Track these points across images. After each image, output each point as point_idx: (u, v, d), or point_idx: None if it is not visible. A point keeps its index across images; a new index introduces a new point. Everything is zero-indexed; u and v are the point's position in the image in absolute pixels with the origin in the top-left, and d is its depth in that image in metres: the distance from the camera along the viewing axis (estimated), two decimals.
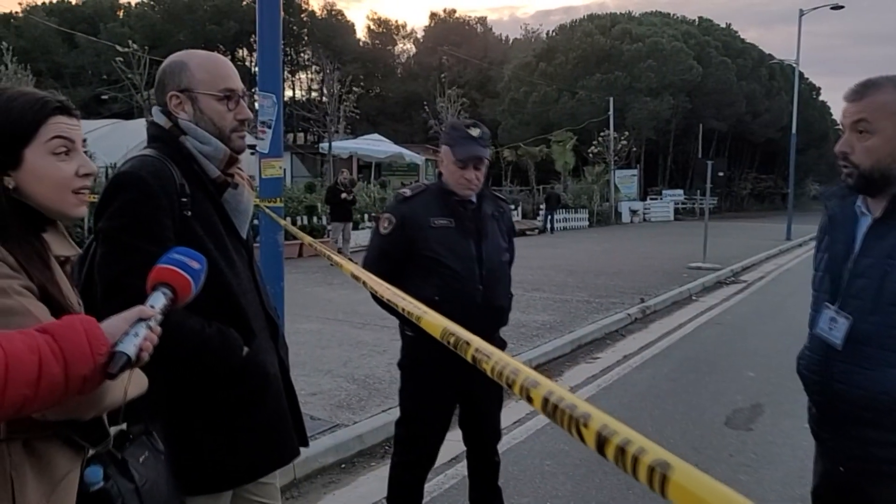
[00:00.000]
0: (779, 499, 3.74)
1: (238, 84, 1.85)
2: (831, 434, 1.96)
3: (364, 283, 1.69)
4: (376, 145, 25.97)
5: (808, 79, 53.54)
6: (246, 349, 1.77)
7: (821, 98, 58.72)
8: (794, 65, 26.15)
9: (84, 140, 1.43)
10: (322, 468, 4.06)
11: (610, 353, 7.10)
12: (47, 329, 1.10)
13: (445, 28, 53.22)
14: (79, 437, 1.29)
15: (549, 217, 25.07)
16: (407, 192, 2.90)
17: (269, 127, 3.73)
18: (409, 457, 2.94)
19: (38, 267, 1.28)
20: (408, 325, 2.74)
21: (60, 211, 1.35)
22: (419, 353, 2.82)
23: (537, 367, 6.41)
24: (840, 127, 1.89)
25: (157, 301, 1.29)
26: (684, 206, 38.97)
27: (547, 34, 51.43)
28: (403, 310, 1.34)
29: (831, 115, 59.50)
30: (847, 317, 1.85)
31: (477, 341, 1.03)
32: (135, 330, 1.19)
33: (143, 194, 1.66)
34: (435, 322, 1.19)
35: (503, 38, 58.26)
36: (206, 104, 1.80)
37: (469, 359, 1.02)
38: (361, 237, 16.04)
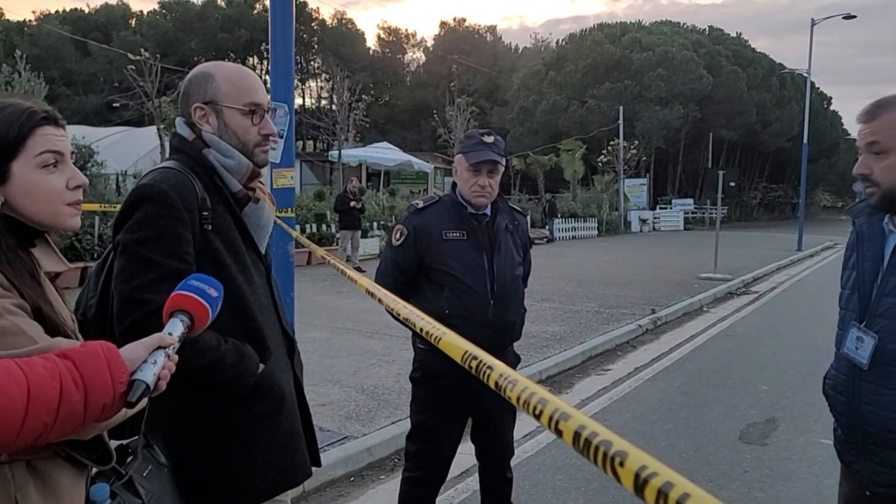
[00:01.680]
0: None
1: (264, 98, 1.82)
2: (857, 457, 1.90)
3: (380, 300, 1.65)
4: (385, 153, 26.01)
5: (819, 88, 53.35)
6: (262, 366, 1.73)
7: (832, 108, 58.49)
8: (805, 74, 26.03)
9: (73, 151, 1.40)
10: (331, 481, 4.02)
11: (621, 364, 7.03)
12: (68, 355, 1.08)
13: (455, 36, 53.35)
14: (81, 455, 1.26)
15: (550, 225, 25.10)
16: (420, 203, 2.87)
17: (281, 137, 3.71)
18: (420, 471, 2.90)
19: (28, 284, 1.25)
20: (421, 339, 2.70)
21: (54, 224, 1.32)
22: (431, 366, 2.78)
23: (547, 379, 6.36)
24: (854, 138, 1.86)
25: (176, 328, 1.28)
26: (694, 215, 38.81)
27: (556, 43, 51.49)
28: (422, 330, 1.30)
29: (842, 124, 59.25)
30: (874, 336, 1.80)
31: (500, 367, 0.99)
32: (153, 358, 1.18)
33: (164, 207, 1.64)
34: (455, 344, 1.14)
35: (512, 46, 58.35)
36: (230, 117, 1.77)
37: (492, 385, 0.97)
38: (370, 245, 16.03)
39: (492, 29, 57.70)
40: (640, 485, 0.66)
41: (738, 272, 14.16)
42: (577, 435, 0.76)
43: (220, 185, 1.77)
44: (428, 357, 2.78)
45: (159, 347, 1.20)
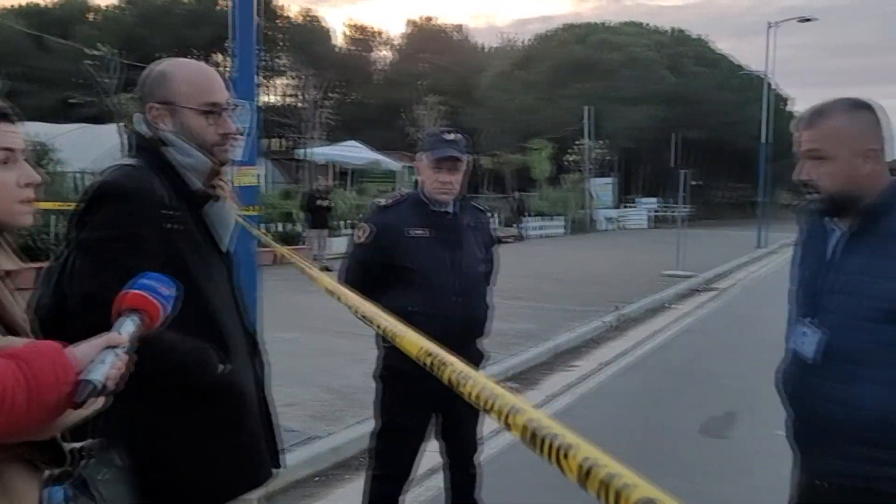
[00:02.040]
0: None
1: (223, 97, 1.80)
2: (810, 448, 1.96)
3: (339, 298, 1.65)
4: (353, 152, 25.90)
5: (780, 90, 54.40)
6: (223, 366, 1.72)
7: (795, 108, 59.72)
8: (763, 76, 26.58)
9: (27, 149, 1.37)
10: (297, 481, 4.00)
11: (587, 360, 7.11)
12: (15, 354, 1.05)
13: (424, 35, 53.29)
14: (35, 457, 1.24)
15: (520, 224, 25.31)
16: (384, 201, 2.88)
17: (244, 134, 3.68)
18: (387, 470, 2.90)
19: None
20: (384, 338, 2.71)
21: (5, 222, 1.30)
22: (397, 364, 2.78)
23: (516, 376, 6.40)
24: (800, 155, 1.89)
25: (126, 328, 1.25)
26: (660, 213, 39.32)
27: (525, 42, 51.77)
28: (380, 327, 1.31)
29: None
30: (819, 331, 1.86)
31: (456, 363, 1.00)
32: (103, 357, 1.15)
33: (127, 206, 1.62)
34: (412, 341, 1.16)
35: (481, 46, 58.49)
36: (187, 118, 1.75)
37: (446, 381, 0.99)
38: (339, 244, 15.93)
39: (460, 28, 57.79)
40: (585, 475, 0.68)
41: (701, 269, 14.39)
42: (525, 428, 0.77)
43: (181, 183, 1.75)
44: (393, 355, 2.78)
45: (109, 347, 1.18)
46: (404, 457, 2.87)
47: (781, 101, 55.65)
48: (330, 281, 1.85)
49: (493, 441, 4.60)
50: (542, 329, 8.07)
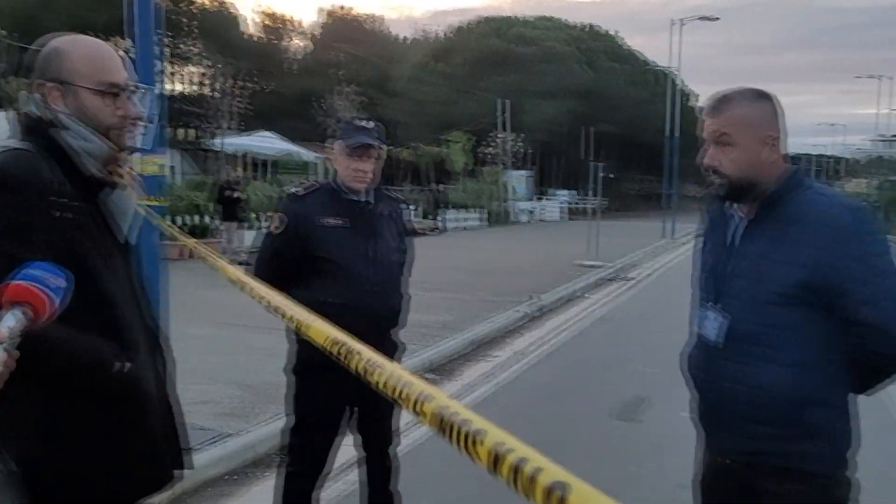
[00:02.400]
0: (668, 488, 3.88)
1: (122, 78, 1.69)
2: (715, 428, 2.03)
3: (245, 288, 1.58)
4: (269, 143, 25.30)
5: (686, 86, 56.64)
6: (120, 365, 1.62)
7: (699, 104, 62.34)
8: (667, 71, 27.63)
9: None
10: (210, 480, 3.86)
11: (507, 351, 7.20)
12: None
13: (341, 25, 52.50)
14: None
15: (441, 216, 25.45)
16: (299, 190, 2.81)
17: (150, 122, 3.50)
18: (303, 465, 2.84)
19: None
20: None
21: None
22: (313, 357, 2.71)
23: (435, 367, 6.40)
24: (705, 140, 1.94)
25: (6, 322, 1.16)
26: (576, 205, 40.28)
27: (444, 35, 51.83)
28: (291, 319, 1.26)
29: None
30: (725, 315, 1.92)
31: (364, 352, 0.97)
32: None
33: (12, 193, 1.49)
34: (320, 330, 1.11)
35: (400, 37, 58.20)
36: (84, 98, 1.63)
37: (354, 370, 0.95)
38: (255, 237, 15.51)
39: (378, 19, 57.32)
40: (495, 461, 0.66)
41: (614, 259, 14.84)
42: (434, 416, 0.75)
43: (73, 168, 1.63)
44: (306, 348, 2.72)
45: None
46: (319, 452, 2.82)
47: (686, 96, 58.08)
48: (236, 271, 1.77)
49: (411, 432, 4.59)
50: (461, 320, 8.11)
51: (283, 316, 1.32)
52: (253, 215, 15.92)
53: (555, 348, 7.33)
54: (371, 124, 2.75)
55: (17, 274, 1.21)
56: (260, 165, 26.85)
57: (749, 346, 1.87)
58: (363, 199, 2.77)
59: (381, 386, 0.87)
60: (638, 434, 4.74)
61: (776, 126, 1.89)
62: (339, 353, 1.00)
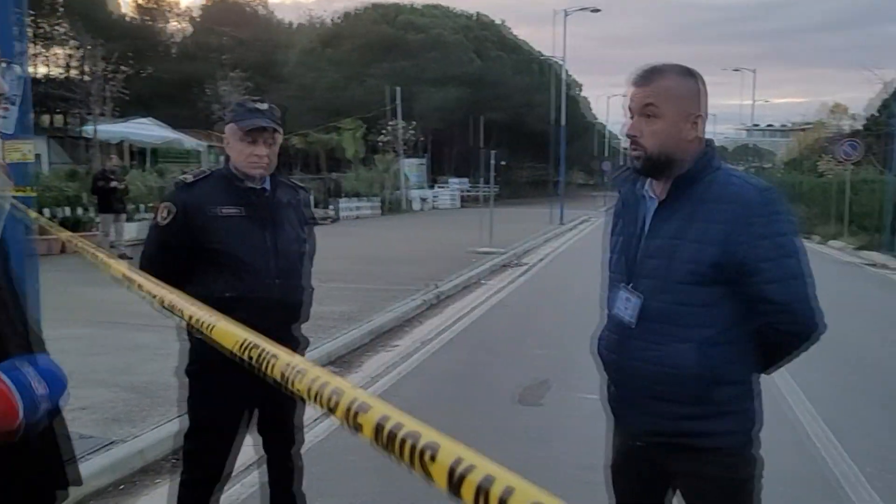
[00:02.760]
0: (572, 469, 3.95)
1: None
2: (628, 410, 2.03)
3: (134, 286, 1.41)
4: (150, 130, 23.94)
5: (571, 76, 58.47)
6: None
7: (583, 94, 64.59)
8: (553, 61, 28.48)
9: None
10: (96, 492, 3.56)
11: (407, 340, 7.14)
12: None
13: (224, 8, 50.32)
14: None
15: (335, 205, 25.08)
16: (188, 177, 2.60)
17: (13, 104, 3.16)
18: (200, 472, 2.66)
19: None
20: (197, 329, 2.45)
21: None
22: (209, 356, 2.52)
23: (337, 360, 6.25)
24: (629, 110, 1.93)
25: None
26: (469, 193, 40.73)
27: (331, 20, 50.81)
28: (191, 318, 1.12)
29: (591, 109, 65.73)
30: (639, 296, 1.92)
31: (286, 355, 0.85)
32: None
33: None
34: (230, 332, 0.99)
35: (286, 22, 56.53)
36: None
37: (277, 377, 0.84)
38: (137, 229, 14.69)
39: (263, 2, 55.36)
40: (457, 481, 0.58)
41: (509, 246, 15.09)
42: (378, 428, 0.65)
43: None
44: (205, 347, 2.53)
45: None
46: (217, 457, 2.64)
47: (574, 86, 60.02)
48: (126, 267, 1.59)
49: (316, 428, 4.45)
50: (361, 310, 7.98)
51: (182, 316, 1.17)
52: (133, 206, 15.04)
53: (455, 335, 7.34)
54: (265, 106, 2.58)
55: (7, 365, 1.03)
56: (138, 154, 25.37)
57: (662, 326, 1.88)
58: (260, 187, 2.61)
59: (308, 395, 0.77)
60: (540, 417, 4.80)
61: (700, 105, 1.90)
62: (256, 357, 0.88)
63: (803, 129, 44.50)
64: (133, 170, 19.94)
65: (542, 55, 46.74)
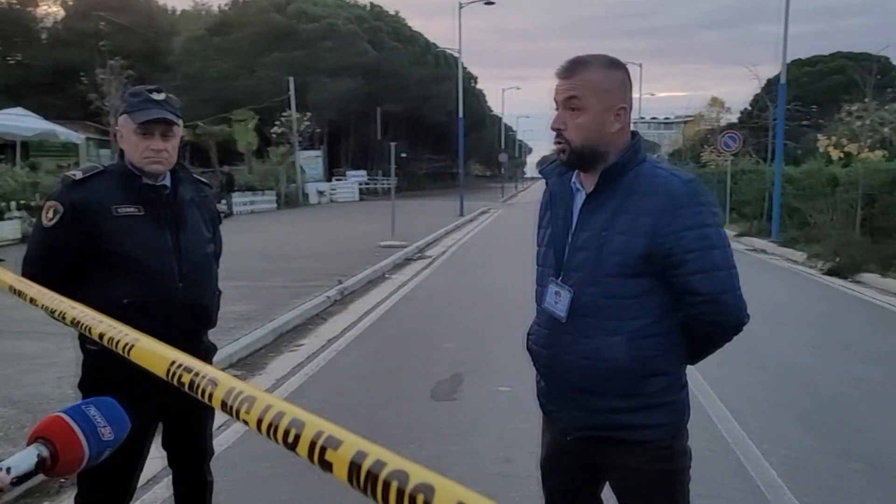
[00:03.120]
0: (490, 462, 3.94)
1: None
2: (559, 406, 2.01)
3: (28, 296, 1.23)
4: (20, 121, 22.13)
5: (467, 68, 59.09)
6: None
7: (478, 86, 65.39)
8: (451, 53, 28.68)
9: None
10: None
11: (313, 338, 6.94)
12: None
13: None
14: None
15: (228, 199, 24.20)
16: (77, 174, 2.36)
17: None
18: (97, 494, 2.43)
19: None
20: (93, 340, 2.23)
21: None
22: (107, 368, 2.32)
23: (239, 362, 5.98)
24: (554, 102, 1.90)
25: (21, 464, 0.90)
26: (368, 186, 40.43)
27: (219, 7, 48.89)
28: (102, 336, 0.97)
29: (486, 102, 66.73)
30: (569, 290, 1.89)
31: (227, 380, 0.74)
32: None
33: None
34: (155, 352, 0.86)
35: (170, 8, 53.89)
36: None
37: (217, 405, 0.73)
38: (8, 229, 13.61)
39: None
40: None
41: (412, 239, 15.04)
42: (353, 465, 0.56)
43: None
44: (102, 358, 2.32)
45: None
46: (119, 477, 2.42)
47: (470, 78, 60.66)
48: (13, 277, 1.39)
49: (221, 436, 4.22)
50: (263, 310, 7.69)
51: (91, 334, 1.02)
52: (3, 204, 13.91)
53: (362, 332, 7.20)
54: (162, 96, 2.37)
55: (79, 405, 0.98)
56: (10, 148, 23.46)
57: (592, 319, 1.87)
58: (160, 183, 2.40)
59: (259, 426, 0.66)
60: (455, 412, 4.77)
61: (625, 97, 1.88)
62: (190, 384, 0.76)
63: (686, 122, 46.94)
64: (1, 164, 18.39)
65: (438, 47, 46.86)
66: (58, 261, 2.31)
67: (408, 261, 12.77)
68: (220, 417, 4.38)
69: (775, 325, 7.41)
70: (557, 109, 1.87)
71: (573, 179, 1.97)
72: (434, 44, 49.61)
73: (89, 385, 2.41)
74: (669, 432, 1.91)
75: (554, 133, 1.89)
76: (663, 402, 1.89)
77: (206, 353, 2.59)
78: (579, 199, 1.94)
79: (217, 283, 2.61)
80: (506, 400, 4.96)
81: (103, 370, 2.33)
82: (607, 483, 2.07)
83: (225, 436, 4.30)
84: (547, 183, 2.05)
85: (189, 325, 2.41)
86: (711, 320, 1.85)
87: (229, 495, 3.57)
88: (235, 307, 7.66)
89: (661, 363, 1.88)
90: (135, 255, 2.28)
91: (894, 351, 6.41)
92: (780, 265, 12.75)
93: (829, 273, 11.18)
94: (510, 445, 4.15)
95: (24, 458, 0.92)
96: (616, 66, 1.87)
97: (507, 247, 13.81)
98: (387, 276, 11.00)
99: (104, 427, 1.01)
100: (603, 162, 1.86)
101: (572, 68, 1.84)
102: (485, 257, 13.48)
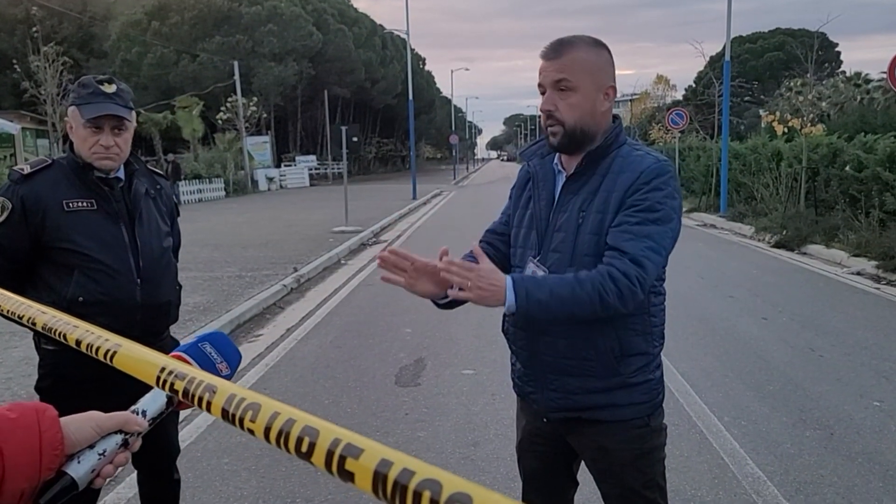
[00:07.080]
0: (456, 446, 3.95)
1: None
2: (536, 388, 2.00)
3: None
4: None
5: (415, 50, 58.68)
6: None
7: (427, 68, 64.99)
8: (399, 35, 28.35)
9: None
10: None
11: (272, 328, 6.84)
12: None
13: None
14: None
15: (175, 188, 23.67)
16: (26, 168, 2.25)
17: None
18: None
19: None
20: (48, 339, 2.15)
21: None
22: (64, 371, 2.24)
23: None
24: (540, 86, 1.88)
25: (153, 406, 0.95)
26: (318, 171, 39.91)
27: None
28: (79, 343, 0.92)
29: (436, 84, 66.42)
30: (545, 270, 1.89)
31: (226, 386, 0.70)
32: (103, 446, 0.88)
33: None
34: (143, 359, 0.81)
35: None
36: None
37: (217, 414, 0.69)
38: None
39: None
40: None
41: (367, 223, 14.92)
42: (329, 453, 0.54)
43: None
44: (59, 359, 2.23)
45: (119, 431, 0.90)
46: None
47: (419, 60, 60.28)
48: None
49: (182, 432, 4.13)
50: (217, 300, 7.54)
51: (67, 341, 0.96)
52: None
53: (321, 319, 7.12)
54: (112, 88, 2.27)
55: (194, 342, 1.00)
56: None
57: None
58: (113, 176, 2.31)
59: (267, 434, 0.63)
60: (419, 397, 4.76)
61: (613, 76, 1.88)
62: (188, 392, 0.72)
63: (632, 100, 47.62)
64: None
65: (385, 29, 46.33)
66: (5, 259, 2.21)
67: (363, 246, 12.67)
68: (182, 413, 4.28)
69: (727, 297, 7.61)
70: (544, 93, 1.85)
71: (555, 161, 1.96)
72: (381, 25, 49.02)
73: (48, 386, 2.32)
74: (646, 411, 1.93)
75: (545, 115, 1.86)
76: (640, 381, 1.91)
77: (168, 350, 2.51)
78: (560, 180, 1.94)
79: (177, 278, 2.53)
80: (469, 383, 4.98)
81: (61, 369, 2.25)
82: (583, 463, 2.08)
83: (187, 430, 4.21)
84: (528, 164, 2.04)
85: (149, 322, 2.34)
86: (614, 275, 1.70)
87: (195, 492, 3.50)
88: (190, 299, 7.49)
89: (639, 343, 1.89)
90: (89, 252, 2.19)
91: (840, 320, 6.64)
92: (729, 239, 13.08)
93: (777, 246, 11.53)
94: (476, 429, 4.17)
95: (155, 398, 0.95)
96: (600, 45, 1.87)
97: (463, 228, 13.81)
98: (343, 262, 10.90)
99: (221, 363, 1.03)
100: (590, 144, 1.86)
101: (559, 49, 1.82)
102: (441, 241, 13.41)
